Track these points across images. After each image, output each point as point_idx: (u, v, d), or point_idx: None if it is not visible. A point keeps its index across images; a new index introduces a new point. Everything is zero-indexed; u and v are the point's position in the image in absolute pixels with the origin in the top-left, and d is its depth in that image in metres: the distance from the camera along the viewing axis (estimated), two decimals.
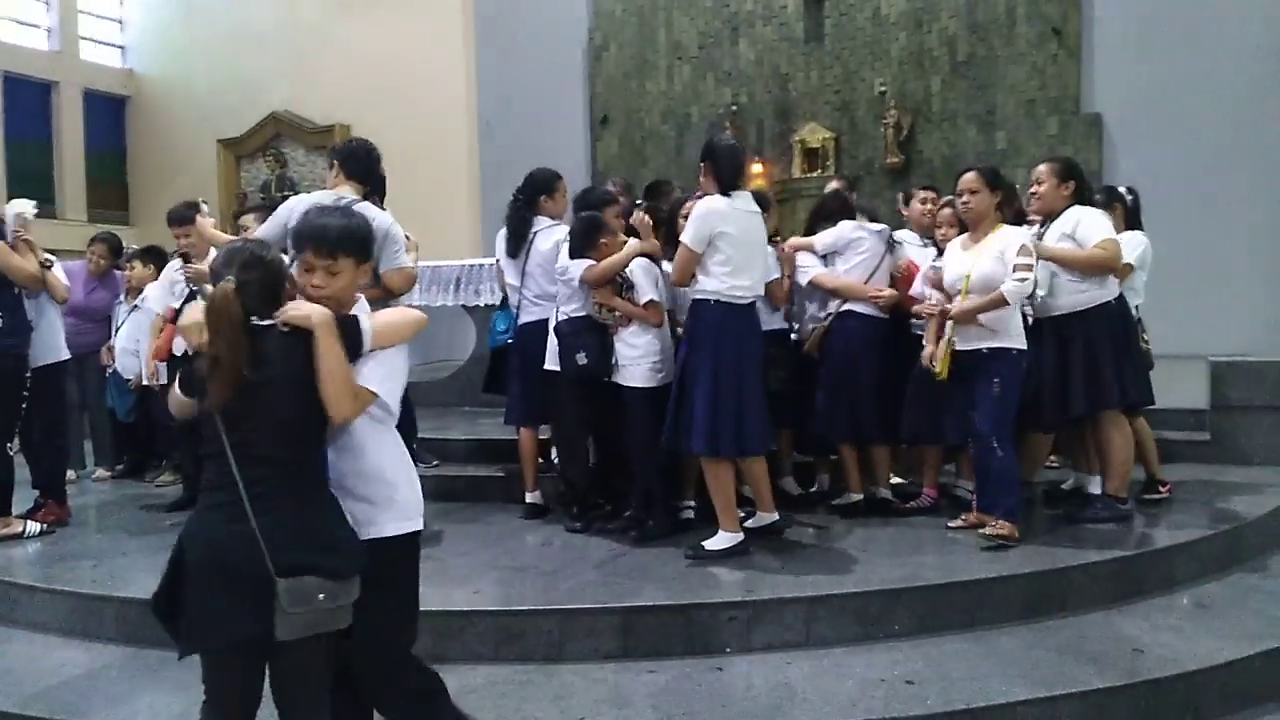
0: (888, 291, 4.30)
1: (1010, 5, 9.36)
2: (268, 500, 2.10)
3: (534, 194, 4.62)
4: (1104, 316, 4.03)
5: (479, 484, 4.98)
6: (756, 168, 10.56)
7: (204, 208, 4.39)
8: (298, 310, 2.14)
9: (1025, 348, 3.83)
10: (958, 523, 4.02)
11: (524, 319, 4.53)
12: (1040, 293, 3.99)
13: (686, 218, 3.86)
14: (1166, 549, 3.77)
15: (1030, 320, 4.04)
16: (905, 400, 4.22)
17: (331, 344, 2.12)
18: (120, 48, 15.86)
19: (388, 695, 2.35)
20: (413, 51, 12.43)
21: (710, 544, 3.75)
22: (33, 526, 4.49)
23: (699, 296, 3.79)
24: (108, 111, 15.55)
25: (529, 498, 4.60)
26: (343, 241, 2.25)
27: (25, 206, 4.49)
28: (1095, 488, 4.29)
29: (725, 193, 3.77)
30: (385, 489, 2.27)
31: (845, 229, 4.38)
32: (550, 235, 4.50)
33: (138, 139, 15.60)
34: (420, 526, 2.35)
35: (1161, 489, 4.41)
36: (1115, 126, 9.04)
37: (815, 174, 10.06)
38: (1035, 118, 9.32)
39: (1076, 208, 4.11)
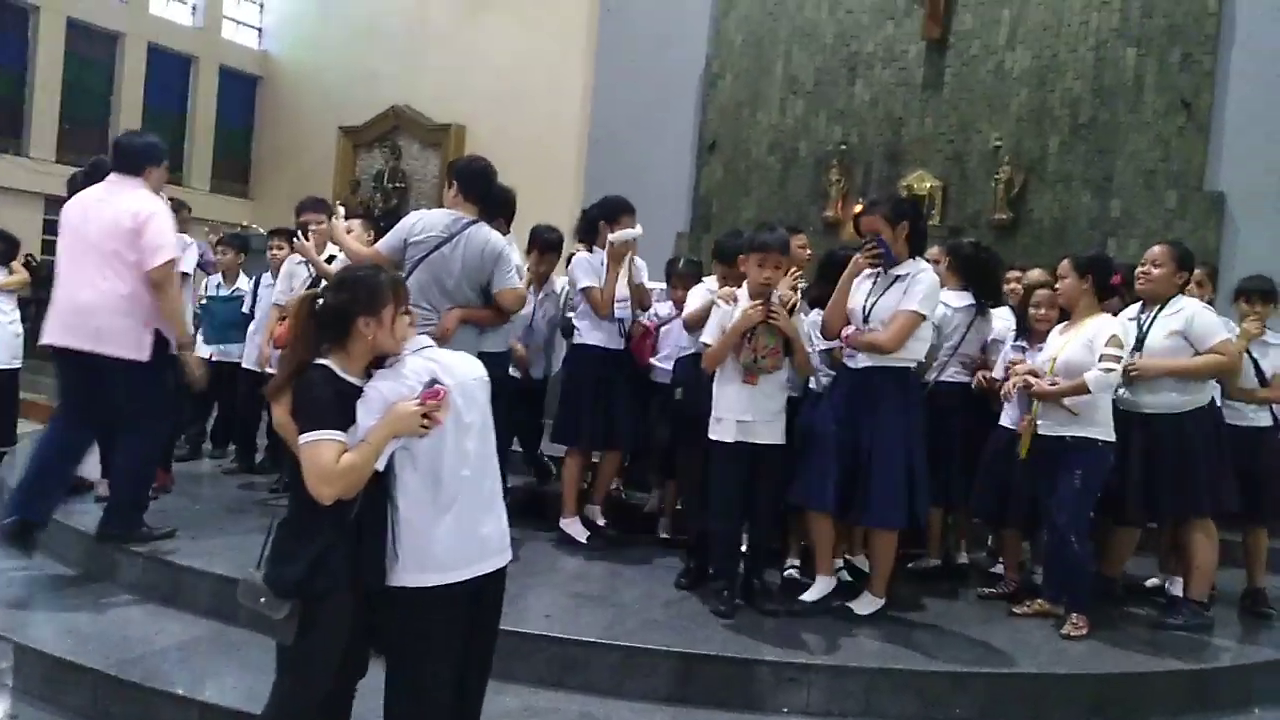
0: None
1: (1140, 72, 9.14)
2: (289, 503, 2.38)
3: (599, 219, 4.69)
4: (1200, 419, 3.95)
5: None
6: (858, 209, 10.53)
7: (340, 210, 4.57)
8: (275, 406, 2.34)
9: (1112, 439, 3.77)
10: (1023, 609, 3.97)
11: (580, 340, 4.67)
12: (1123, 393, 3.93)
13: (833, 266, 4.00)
14: (1246, 666, 3.67)
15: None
16: (977, 476, 4.20)
17: (293, 443, 2.26)
18: (258, 29, 16.59)
19: None
20: (533, 61, 12.73)
21: (813, 594, 3.85)
22: None
23: (902, 364, 3.75)
24: (240, 90, 16.29)
25: (564, 523, 4.63)
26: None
27: None
28: (1178, 589, 4.19)
29: None
30: (400, 535, 2.31)
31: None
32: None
33: (264, 119, 16.29)
34: (432, 582, 2.30)
35: (1266, 607, 4.25)
36: (1238, 207, 8.74)
37: None
38: (1154, 189, 9.07)
39: (1184, 299, 4.05)
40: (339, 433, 2.23)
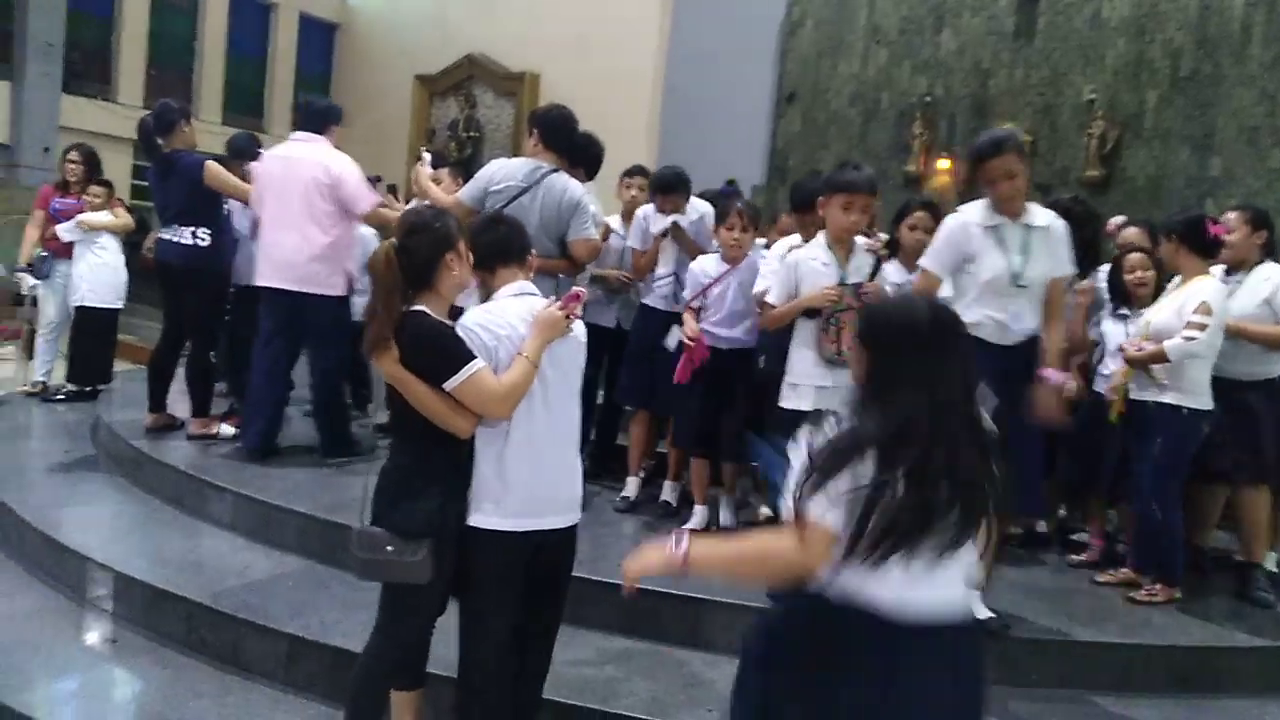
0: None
1: (1247, 23, 8.65)
2: (391, 455, 2.44)
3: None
4: (1273, 390, 3.89)
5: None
6: (943, 164, 10.24)
7: (425, 157, 4.65)
8: (378, 362, 2.35)
9: (1204, 408, 3.63)
10: (1107, 577, 3.89)
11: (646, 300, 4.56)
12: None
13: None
14: None
15: None
16: (1061, 441, 4.06)
17: (412, 389, 2.30)
18: None
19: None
20: (609, 8, 12.57)
21: None
22: (226, 429, 4.92)
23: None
24: (319, 37, 16.43)
25: (631, 487, 4.45)
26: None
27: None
28: (1271, 564, 4.06)
29: None
30: (477, 482, 2.40)
31: None
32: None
33: (342, 66, 16.44)
34: (502, 527, 2.37)
35: None
36: None
37: None
38: (1257, 146, 8.62)
39: (1271, 265, 3.92)
40: (480, 361, 2.31)
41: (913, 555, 1.66)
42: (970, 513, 1.70)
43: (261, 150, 4.93)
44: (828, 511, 1.68)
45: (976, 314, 3.17)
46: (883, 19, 10.48)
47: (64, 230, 6.19)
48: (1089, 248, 4.14)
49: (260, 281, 4.57)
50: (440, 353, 2.30)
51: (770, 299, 3.48)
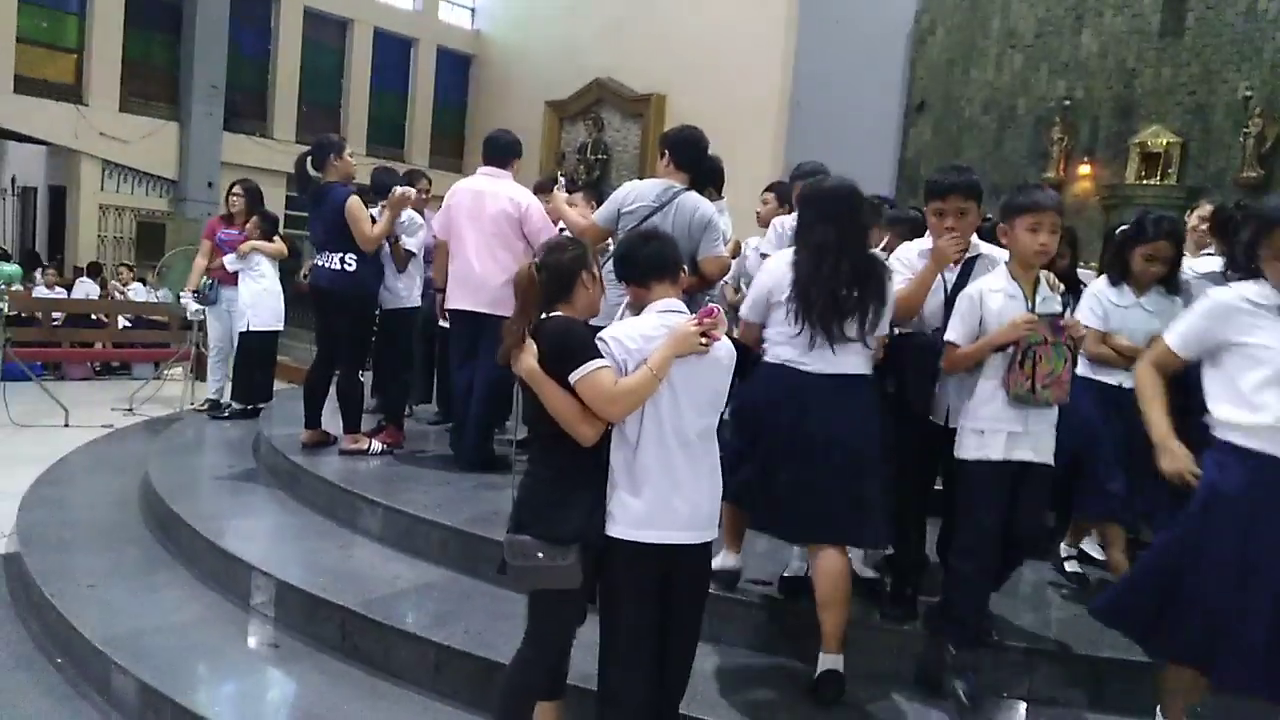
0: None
1: None
2: (531, 467, 2.51)
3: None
4: None
5: None
6: (1084, 169, 9.83)
7: (561, 181, 4.83)
8: (518, 362, 2.41)
9: None
10: None
11: None
12: None
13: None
14: None
15: None
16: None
17: (546, 389, 2.37)
18: (471, 9, 17.34)
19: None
20: (733, 26, 12.63)
21: None
22: (376, 445, 5.17)
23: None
24: (456, 69, 17.15)
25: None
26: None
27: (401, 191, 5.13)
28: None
29: None
30: (610, 491, 2.46)
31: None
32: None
33: (478, 96, 17.09)
34: (630, 536, 2.41)
35: None
36: None
37: (1154, 181, 9.20)
38: None
39: None
40: (604, 361, 2.39)
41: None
42: (830, 314, 2.93)
43: (398, 187, 5.17)
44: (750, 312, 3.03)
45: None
46: (1018, 21, 10.17)
47: (229, 261, 6.66)
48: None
49: (453, 305, 4.90)
50: (572, 347, 2.39)
51: (951, 337, 3.07)
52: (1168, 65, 9.35)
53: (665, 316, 2.50)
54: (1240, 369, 2.47)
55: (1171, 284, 3.65)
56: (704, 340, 2.42)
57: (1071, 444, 3.23)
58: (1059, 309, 3.01)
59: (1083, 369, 3.54)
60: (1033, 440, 2.95)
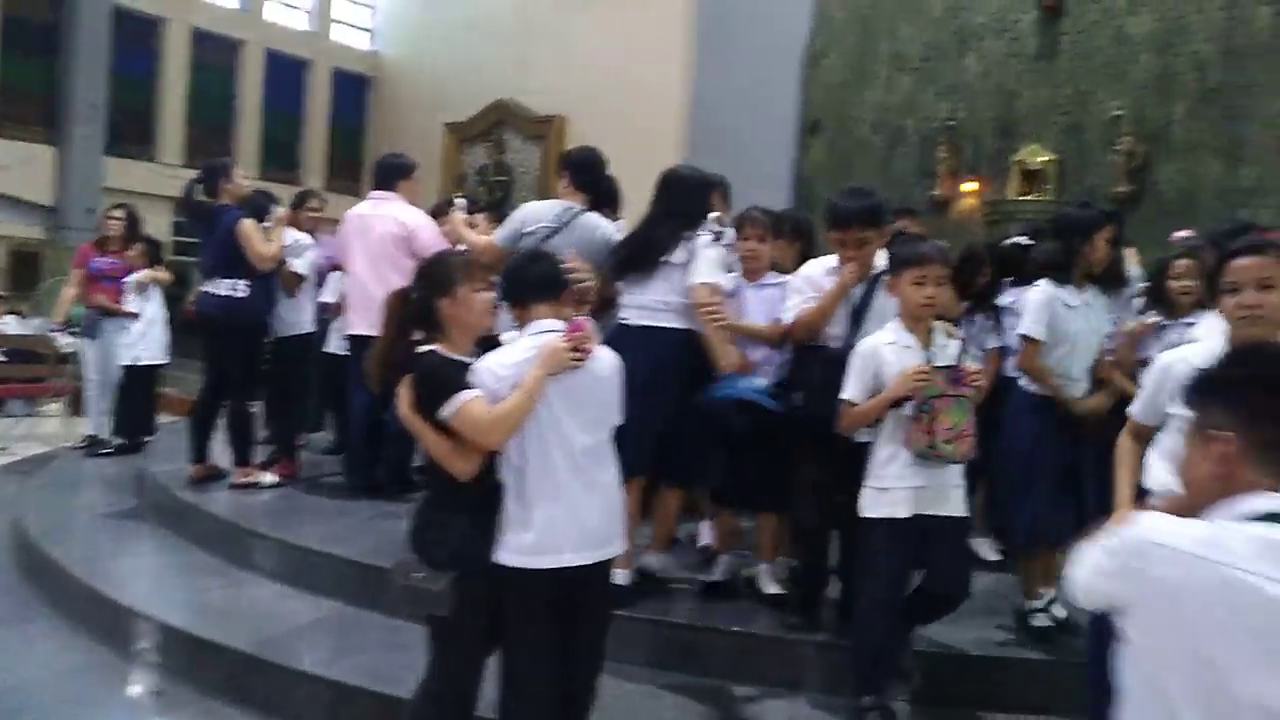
0: None
1: (1276, 31, 8.58)
2: (423, 493, 2.56)
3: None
4: None
5: None
6: (969, 185, 10.20)
7: (460, 202, 4.78)
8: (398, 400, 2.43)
9: None
10: None
11: None
12: None
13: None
14: None
15: None
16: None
17: (419, 430, 2.38)
18: (368, 31, 17.09)
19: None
20: (633, 49, 12.75)
21: None
22: (268, 477, 5.00)
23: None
24: (353, 90, 16.85)
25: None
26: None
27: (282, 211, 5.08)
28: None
29: None
30: (502, 519, 2.41)
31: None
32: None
33: (376, 118, 16.82)
34: (521, 564, 2.36)
35: None
36: None
37: (1032, 197, 9.61)
38: None
39: None
40: (474, 391, 2.34)
41: None
42: None
43: (276, 207, 5.08)
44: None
45: None
46: (905, 45, 10.52)
47: (132, 302, 6.42)
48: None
49: (352, 331, 4.85)
50: (438, 386, 2.35)
51: (847, 395, 2.96)
52: (1044, 87, 9.80)
53: (536, 339, 2.46)
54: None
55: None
56: (576, 355, 2.39)
57: (1009, 467, 3.35)
58: (954, 360, 2.90)
59: (1024, 381, 3.53)
60: (940, 494, 2.88)
